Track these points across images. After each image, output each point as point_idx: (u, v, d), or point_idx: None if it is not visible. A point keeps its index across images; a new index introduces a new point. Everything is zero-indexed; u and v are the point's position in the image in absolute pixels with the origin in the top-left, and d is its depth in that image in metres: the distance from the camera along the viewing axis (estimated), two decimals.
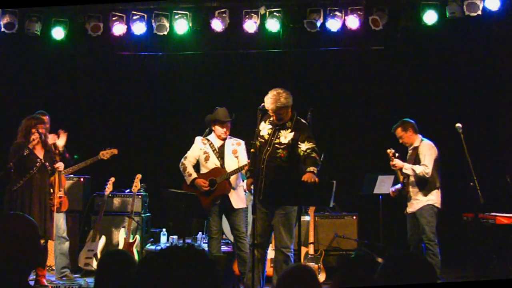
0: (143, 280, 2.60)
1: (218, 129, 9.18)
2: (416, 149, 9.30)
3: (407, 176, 9.29)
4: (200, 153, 9.25)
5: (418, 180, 9.19)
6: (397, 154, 9.24)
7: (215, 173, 9.02)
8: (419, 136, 9.40)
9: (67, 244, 9.92)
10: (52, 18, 11.47)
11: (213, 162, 9.13)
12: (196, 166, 9.36)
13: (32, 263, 3.60)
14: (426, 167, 9.08)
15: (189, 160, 9.25)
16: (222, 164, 9.11)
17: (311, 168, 7.49)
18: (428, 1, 10.82)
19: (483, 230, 9.47)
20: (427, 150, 9.21)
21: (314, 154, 7.66)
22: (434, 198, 9.19)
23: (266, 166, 7.75)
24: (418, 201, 9.21)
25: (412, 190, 9.27)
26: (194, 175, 9.10)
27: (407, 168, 9.18)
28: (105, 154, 10.18)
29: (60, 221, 9.77)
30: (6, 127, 9.40)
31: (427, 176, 9.08)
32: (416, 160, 9.21)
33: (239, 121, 9.53)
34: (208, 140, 9.26)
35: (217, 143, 9.24)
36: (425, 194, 9.18)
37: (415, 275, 3.25)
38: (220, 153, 9.17)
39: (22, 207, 8.67)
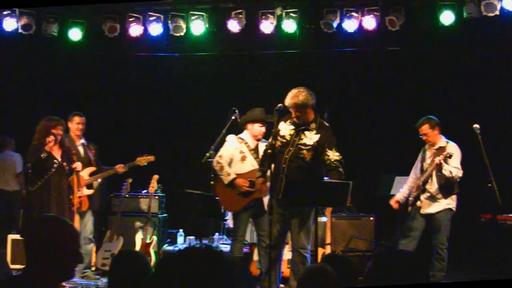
0: (161, 281, 2.61)
1: (257, 129, 8.96)
2: (442, 149, 9.06)
3: (434, 175, 9.13)
4: (235, 152, 9.03)
5: (445, 182, 9.01)
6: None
7: (254, 175, 8.62)
8: (442, 137, 9.24)
9: (91, 245, 10.03)
10: (69, 20, 11.51)
11: (251, 163, 8.92)
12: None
13: (68, 272, 3.43)
14: (459, 170, 8.90)
15: (224, 159, 8.99)
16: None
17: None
18: (445, 2, 10.76)
19: (500, 231, 9.42)
20: (458, 153, 9.02)
21: (341, 169, 7.65)
22: (453, 202, 9.08)
23: (288, 165, 7.71)
24: (438, 204, 9.05)
25: (433, 191, 9.08)
26: (233, 175, 8.88)
27: (446, 168, 8.84)
28: (142, 160, 10.21)
29: (89, 222, 9.88)
30: (24, 128, 9.43)
31: (458, 180, 8.95)
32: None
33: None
34: (243, 139, 9.11)
35: (252, 143, 9.03)
36: (446, 197, 9.03)
37: (405, 274, 3.22)
38: (256, 154, 8.98)
39: (40, 208, 8.71)
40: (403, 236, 9.32)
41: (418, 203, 9.20)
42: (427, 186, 9.14)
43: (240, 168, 8.91)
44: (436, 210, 9.07)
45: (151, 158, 10.27)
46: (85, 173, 9.88)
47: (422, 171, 9.29)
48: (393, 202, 9.53)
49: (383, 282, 3.19)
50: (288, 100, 7.69)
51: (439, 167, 8.85)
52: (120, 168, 10.04)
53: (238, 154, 8.99)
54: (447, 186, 9.02)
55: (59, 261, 3.27)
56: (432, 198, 9.11)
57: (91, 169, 9.97)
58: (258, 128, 8.94)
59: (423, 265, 3.35)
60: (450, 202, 9.06)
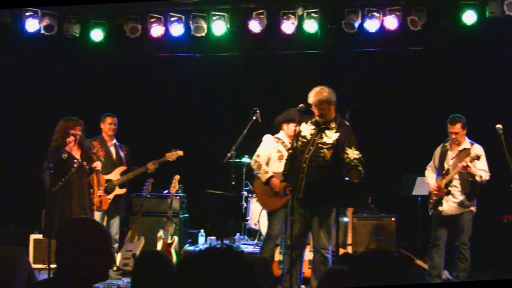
0: (183, 281, 2.61)
1: (292, 128, 8.88)
2: (467, 150, 8.95)
3: (457, 177, 9.00)
4: (272, 151, 9.10)
5: (469, 184, 8.89)
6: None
7: None
8: (467, 138, 9.12)
9: (115, 245, 10.09)
10: (91, 20, 11.56)
11: None
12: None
13: (101, 274, 3.38)
14: (487, 173, 8.79)
15: (262, 158, 9.07)
16: None
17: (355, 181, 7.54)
18: (467, 1, 10.68)
19: None
20: (484, 155, 8.89)
21: (360, 168, 7.64)
22: (475, 204, 9.01)
23: (308, 165, 7.70)
24: (462, 206, 8.94)
25: (456, 194, 8.96)
26: (271, 173, 8.93)
27: (477, 173, 8.69)
28: (171, 156, 10.26)
29: (115, 223, 9.99)
30: (45, 129, 9.46)
31: (485, 183, 8.83)
32: None
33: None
34: (280, 139, 9.14)
35: (289, 143, 8.95)
36: (469, 200, 8.93)
37: (386, 275, 3.20)
38: None
39: (62, 208, 8.75)
40: (432, 246, 9.20)
41: (440, 207, 9.08)
42: (450, 188, 9.01)
43: (277, 167, 8.91)
44: (459, 212, 8.97)
45: (180, 152, 10.32)
46: (116, 173, 10.01)
47: (443, 171, 9.16)
48: (434, 187, 9.17)
49: (365, 283, 3.18)
50: (312, 98, 7.69)
51: (465, 170, 8.70)
52: (151, 165, 10.09)
53: (275, 154, 9.07)
54: (471, 188, 8.92)
55: (92, 263, 3.24)
56: (455, 201, 8.98)
57: (122, 168, 10.06)
58: (293, 128, 8.91)
59: (405, 266, 3.34)
60: (472, 204, 8.97)
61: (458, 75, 11.82)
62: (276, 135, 9.17)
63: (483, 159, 8.82)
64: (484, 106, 11.48)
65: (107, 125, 10.09)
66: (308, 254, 8.59)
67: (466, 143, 9.07)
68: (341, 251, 9.71)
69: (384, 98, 12.22)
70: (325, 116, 7.75)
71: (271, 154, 9.09)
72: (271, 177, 8.89)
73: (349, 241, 10.15)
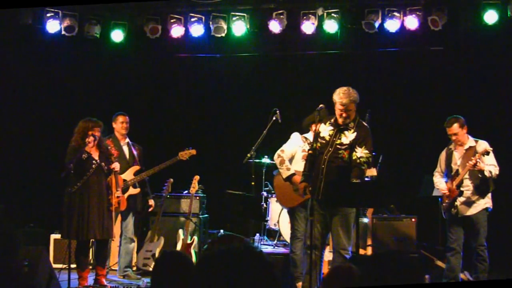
0: (201, 280, 2.61)
1: None
2: (473, 148, 8.94)
3: (468, 177, 9.00)
4: (298, 149, 9.03)
5: (480, 182, 8.87)
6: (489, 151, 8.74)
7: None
8: (469, 136, 9.10)
9: (133, 244, 10.14)
10: (111, 21, 11.61)
11: None
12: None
13: None
14: (496, 167, 8.78)
15: (286, 154, 8.95)
16: None
17: (355, 181, 7.51)
18: (489, 1, 10.63)
19: None
20: (491, 149, 8.81)
21: (364, 166, 7.63)
22: (490, 200, 8.97)
23: (327, 166, 7.69)
24: (477, 204, 8.91)
25: (469, 193, 8.93)
26: (293, 171, 8.81)
27: (486, 169, 8.69)
28: (184, 155, 10.29)
29: (130, 222, 9.99)
30: (65, 129, 9.52)
31: (496, 177, 8.82)
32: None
33: (298, 122, 9.46)
34: (307, 139, 9.03)
35: None
36: (484, 197, 8.90)
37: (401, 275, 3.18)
38: None
39: (80, 209, 8.80)
40: (449, 249, 9.17)
41: (453, 210, 9.04)
42: (462, 189, 8.97)
43: (300, 166, 8.85)
44: (474, 211, 8.93)
45: (193, 151, 10.35)
46: (130, 172, 10.01)
47: (451, 173, 9.13)
48: (446, 191, 9.16)
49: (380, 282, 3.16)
50: (344, 99, 7.63)
51: (475, 168, 8.68)
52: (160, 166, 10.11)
53: (300, 153, 9.01)
54: (482, 185, 8.90)
55: None
56: (469, 200, 8.95)
57: (136, 168, 10.08)
58: None
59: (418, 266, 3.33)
60: (487, 201, 8.94)
61: (480, 75, 11.74)
62: (305, 135, 9.13)
63: (491, 153, 8.76)
64: (506, 106, 11.41)
65: (119, 124, 10.12)
66: (328, 255, 8.57)
67: (470, 141, 9.07)
68: (361, 252, 9.70)
69: (404, 99, 12.17)
70: (351, 117, 7.74)
71: (296, 152, 9.04)
72: (293, 174, 8.79)
73: (369, 242, 10.12)
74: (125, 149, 10.14)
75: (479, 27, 10.87)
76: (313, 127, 8.99)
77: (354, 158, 7.65)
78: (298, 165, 8.91)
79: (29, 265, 7.32)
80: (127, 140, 10.18)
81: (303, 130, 9.19)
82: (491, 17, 10.58)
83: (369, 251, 10.00)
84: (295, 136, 9.14)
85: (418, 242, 10.46)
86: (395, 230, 10.50)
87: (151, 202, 10.27)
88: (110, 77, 12.71)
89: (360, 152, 7.63)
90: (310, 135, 9.06)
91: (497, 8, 10.56)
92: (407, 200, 11.01)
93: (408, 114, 12.11)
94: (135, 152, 10.14)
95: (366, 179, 7.94)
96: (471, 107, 11.11)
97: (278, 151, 9.00)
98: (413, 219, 10.58)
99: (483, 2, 10.66)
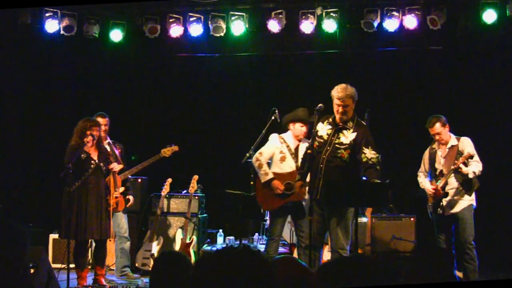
0: (200, 280, 2.61)
1: (298, 129, 8.96)
2: (455, 147, 8.98)
3: (452, 176, 8.96)
4: (276, 151, 9.02)
5: (463, 180, 8.88)
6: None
7: (292, 177, 8.69)
8: (451, 134, 9.12)
9: (128, 243, 10.11)
10: (110, 21, 11.60)
11: (289, 165, 8.90)
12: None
13: None
14: (478, 163, 8.79)
15: (264, 157, 8.99)
16: (298, 167, 8.75)
17: (376, 181, 7.54)
18: (487, 0, 10.62)
19: None
20: (473, 147, 8.91)
21: (378, 167, 7.64)
22: (475, 197, 8.99)
23: (325, 165, 7.71)
24: (462, 201, 8.93)
25: (454, 191, 8.95)
26: (271, 175, 8.83)
27: (469, 171, 8.71)
28: (166, 152, 10.28)
29: (122, 221, 9.99)
30: (64, 128, 9.53)
31: (480, 173, 8.82)
32: (458, 158, 8.81)
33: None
34: (284, 141, 9.06)
35: (293, 144, 9.01)
36: (470, 194, 8.91)
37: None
38: (296, 155, 8.92)
39: (79, 209, 8.81)
40: (440, 242, 9.22)
41: (439, 210, 9.05)
42: (447, 188, 8.97)
43: (278, 168, 8.89)
44: (459, 208, 8.95)
45: (175, 148, 10.35)
46: None
47: (435, 172, 9.17)
48: (431, 191, 9.14)
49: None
50: (339, 93, 7.70)
51: (457, 173, 8.78)
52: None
53: (278, 154, 8.99)
54: (466, 183, 8.90)
55: None
56: (454, 199, 8.98)
57: (119, 166, 10.05)
58: (299, 128, 8.93)
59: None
60: (472, 198, 8.96)
61: (478, 74, 11.74)
62: (282, 135, 9.11)
63: (474, 150, 8.85)
64: (505, 106, 11.41)
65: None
66: (327, 254, 8.58)
67: (452, 139, 9.10)
68: (360, 251, 9.70)
69: (403, 98, 12.17)
70: (347, 113, 7.75)
71: (274, 153, 9.05)
72: (272, 179, 8.81)
73: (368, 241, 10.12)
74: (107, 149, 10.11)
75: (478, 26, 10.86)
76: (291, 126, 9.01)
77: (364, 160, 7.67)
78: (277, 167, 8.91)
79: (35, 267, 7.32)
80: (108, 139, 10.09)
81: (283, 130, 9.20)
82: (490, 16, 10.56)
83: (367, 250, 9.99)
84: (273, 138, 9.15)
85: (416, 241, 10.46)
86: (394, 229, 10.50)
87: (130, 197, 10.18)
88: (109, 77, 12.70)
89: (369, 153, 7.65)
90: (287, 135, 9.06)
91: (496, 7, 10.55)
92: (406, 199, 11.02)
93: (407, 113, 12.12)
94: (117, 151, 10.08)
95: (363, 178, 7.94)
96: (469, 107, 11.13)
97: (257, 154, 9.04)
98: (412, 219, 10.60)
99: (482, 1, 10.64)
